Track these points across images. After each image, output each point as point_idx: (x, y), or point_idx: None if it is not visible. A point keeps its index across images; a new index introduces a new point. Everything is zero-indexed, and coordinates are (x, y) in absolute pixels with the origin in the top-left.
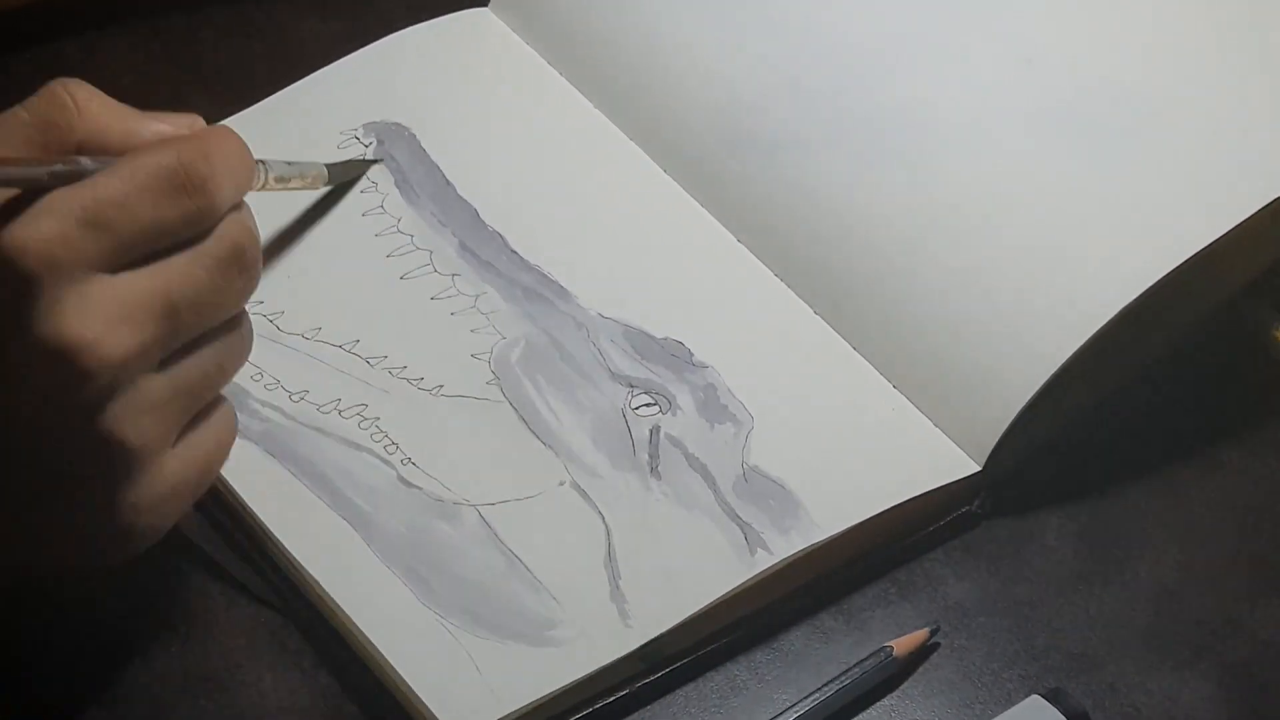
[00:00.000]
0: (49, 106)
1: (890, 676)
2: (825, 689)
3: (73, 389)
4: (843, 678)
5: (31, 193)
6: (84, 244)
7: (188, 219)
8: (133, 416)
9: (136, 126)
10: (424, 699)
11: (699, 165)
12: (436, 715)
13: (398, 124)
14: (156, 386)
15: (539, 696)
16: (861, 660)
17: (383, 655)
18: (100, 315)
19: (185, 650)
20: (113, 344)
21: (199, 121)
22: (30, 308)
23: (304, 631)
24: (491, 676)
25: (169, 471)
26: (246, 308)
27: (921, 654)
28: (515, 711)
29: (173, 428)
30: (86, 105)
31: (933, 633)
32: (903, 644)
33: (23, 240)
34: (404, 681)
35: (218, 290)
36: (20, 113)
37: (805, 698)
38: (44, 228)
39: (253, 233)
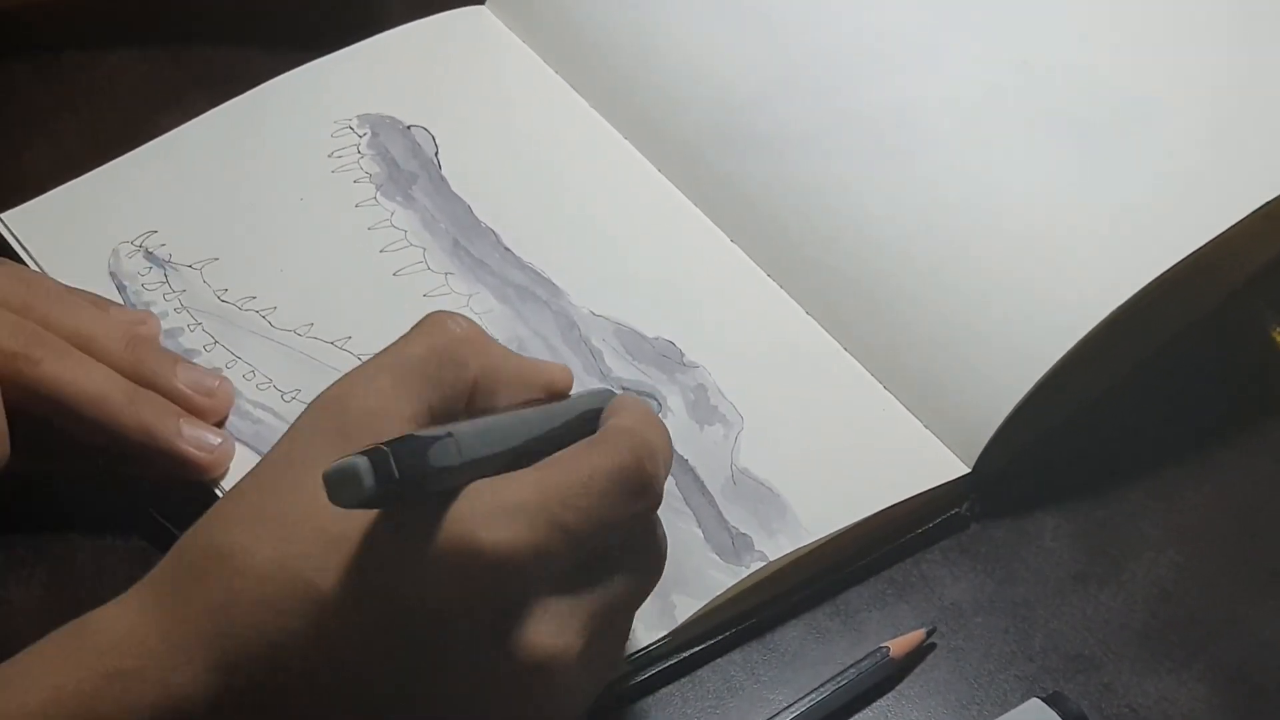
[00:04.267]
0: (443, 339)
1: (887, 677)
2: (822, 689)
3: (537, 697)
4: (839, 678)
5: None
6: (554, 553)
7: (636, 519)
8: (571, 710)
9: (523, 366)
10: None
11: (693, 164)
12: None
13: (392, 117)
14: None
15: None
16: (858, 661)
17: None
18: (565, 626)
19: None
20: (571, 655)
21: (569, 370)
22: (508, 615)
23: None
24: None
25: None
26: (241, 307)
27: (918, 655)
28: None
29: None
30: (476, 337)
31: (929, 633)
32: (899, 644)
33: (504, 545)
34: None
35: (645, 588)
36: (412, 349)
37: (802, 698)
38: (521, 536)
39: (662, 525)
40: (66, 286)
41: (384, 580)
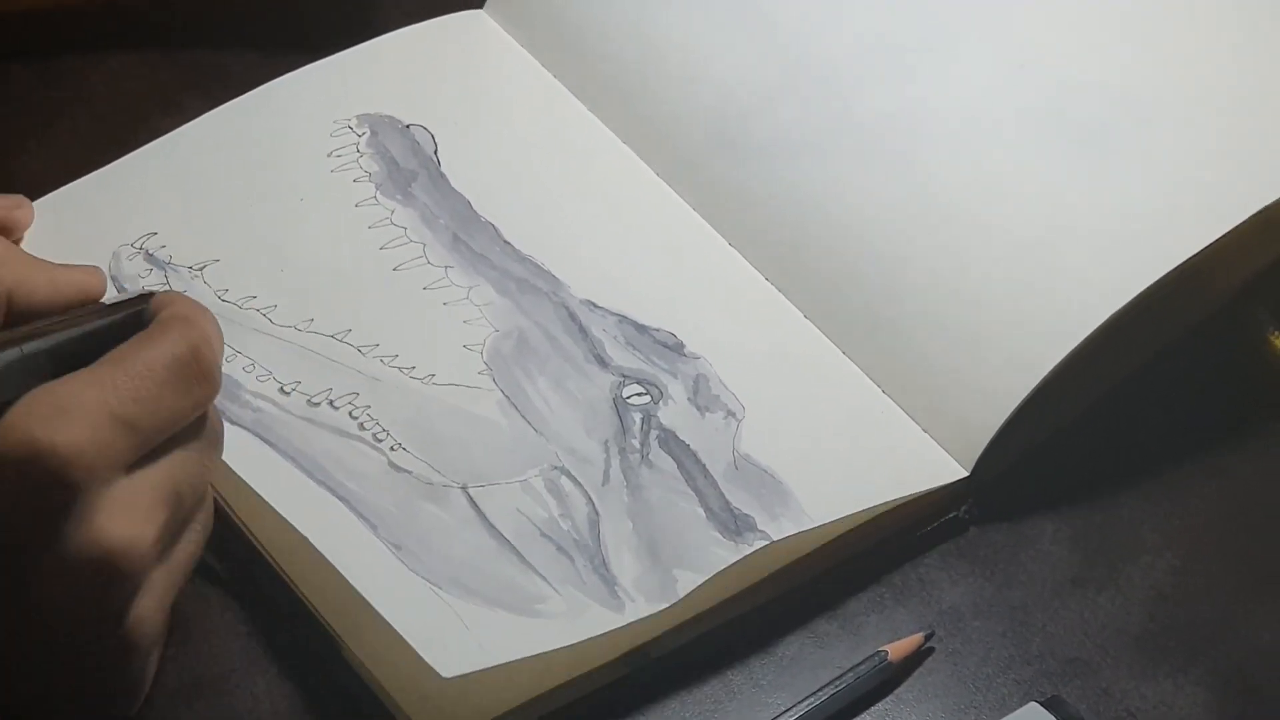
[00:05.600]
0: None
1: (885, 681)
2: (820, 694)
3: (109, 588)
4: (837, 682)
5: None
6: (115, 445)
7: (197, 407)
8: (147, 605)
9: (55, 274)
10: (414, 647)
11: (691, 169)
12: (425, 660)
13: (391, 116)
14: (162, 568)
15: (526, 655)
16: (856, 665)
17: (373, 614)
18: (130, 516)
19: (179, 656)
20: (143, 544)
21: (100, 271)
22: (72, 512)
23: (295, 636)
24: (479, 633)
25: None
26: (242, 306)
27: (916, 659)
28: (502, 665)
29: (170, 599)
30: (6, 254)
31: (927, 637)
32: (897, 649)
33: (65, 446)
34: (394, 637)
35: (207, 469)
36: None
37: (799, 702)
38: (78, 432)
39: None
40: None
41: None
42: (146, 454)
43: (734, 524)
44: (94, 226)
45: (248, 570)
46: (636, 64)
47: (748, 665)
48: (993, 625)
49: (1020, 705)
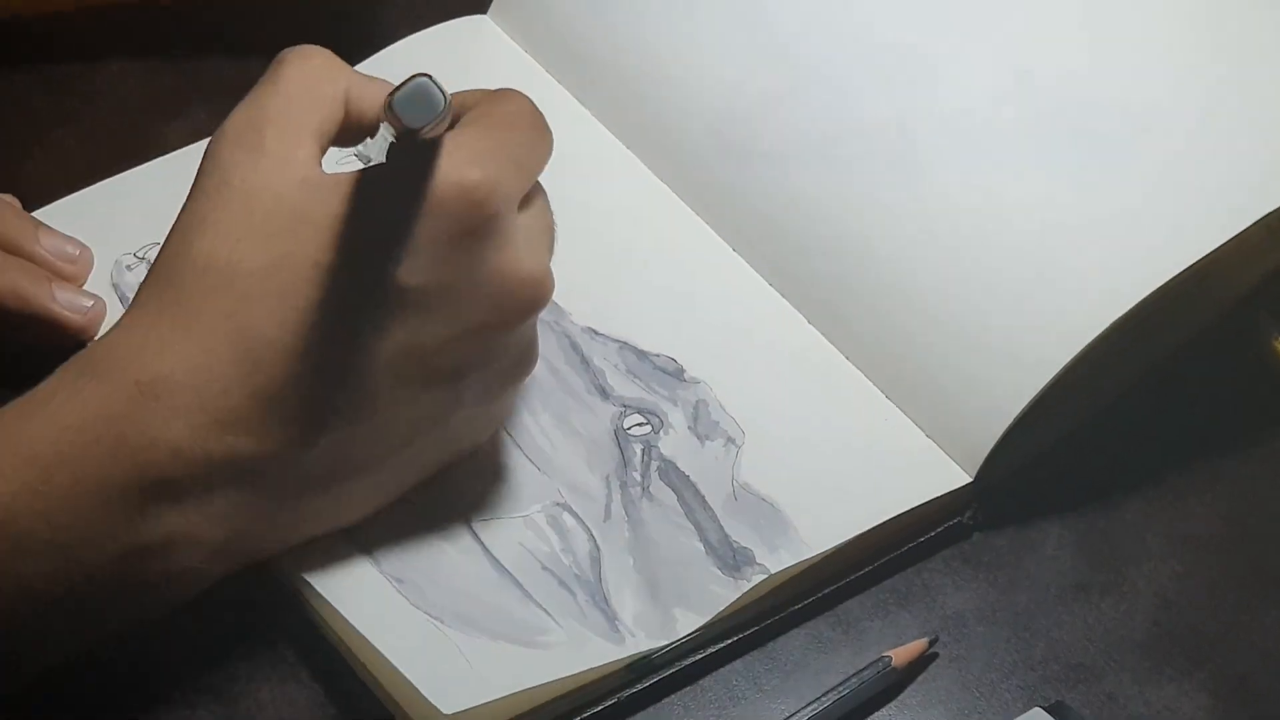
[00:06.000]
0: (308, 69)
1: (889, 686)
2: (824, 699)
3: (530, 310)
4: (841, 687)
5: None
6: (516, 182)
7: (548, 154)
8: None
9: (382, 85)
10: (413, 682)
11: (695, 174)
12: (426, 697)
13: None
14: None
15: (528, 687)
16: (860, 670)
17: (374, 649)
18: (534, 246)
19: (183, 662)
20: (548, 272)
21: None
22: (498, 240)
23: (300, 643)
24: (481, 666)
25: None
26: None
27: (920, 664)
28: (504, 698)
29: None
30: (332, 63)
31: (931, 643)
32: (901, 654)
33: (483, 180)
34: (395, 672)
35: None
36: (287, 80)
37: (804, 707)
38: (494, 171)
39: None
40: None
41: (388, 227)
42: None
43: (732, 558)
44: (97, 236)
45: (254, 584)
46: (640, 69)
47: (750, 669)
48: (997, 630)
49: (1024, 711)
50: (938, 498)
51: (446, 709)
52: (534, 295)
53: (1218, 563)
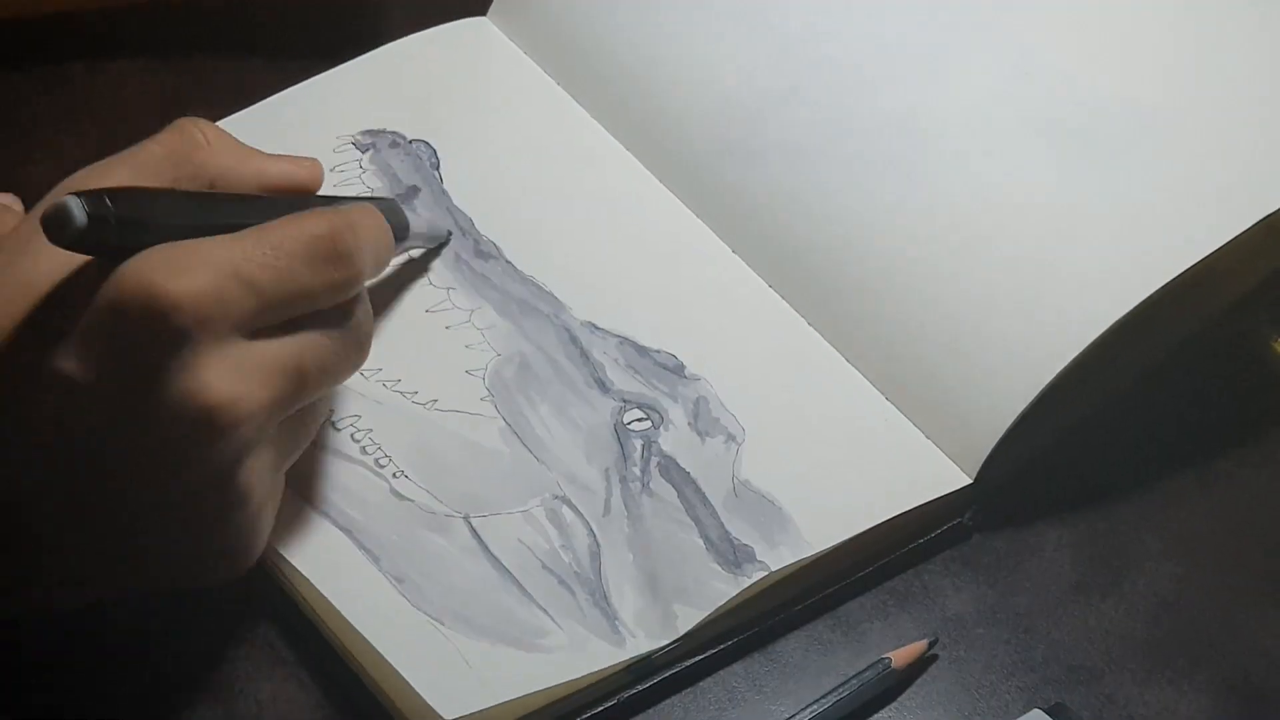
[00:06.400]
0: (181, 142)
1: (889, 688)
2: (823, 700)
3: (206, 443)
4: (841, 689)
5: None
6: (235, 303)
7: (329, 289)
8: (254, 467)
9: (265, 165)
10: (414, 686)
11: (695, 175)
12: (427, 701)
13: (394, 132)
14: (273, 439)
15: (529, 691)
16: (860, 672)
17: (374, 651)
18: (241, 376)
19: (182, 661)
20: (249, 405)
21: (318, 165)
22: (177, 361)
23: (300, 642)
24: (481, 670)
25: (275, 493)
26: None
27: (920, 665)
28: (504, 703)
29: (284, 466)
30: (217, 141)
31: (931, 644)
32: (901, 655)
33: (179, 294)
34: (396, 675)
35: (341, 361)
36: (152, 147)
37: (803, 709)
38: (199, 283)
39: (370, 311)
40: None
41: (52, 321)
42: (274, 327)
43: (733, 555)
44: None
45: (254, 580)
46: (640, 71)
47: (750, 670)
48: (996, 632)
49: (1024, 712)
50: (938, 499)
51: (448, 714)
52: (202, 423)
53: (1217, 564)
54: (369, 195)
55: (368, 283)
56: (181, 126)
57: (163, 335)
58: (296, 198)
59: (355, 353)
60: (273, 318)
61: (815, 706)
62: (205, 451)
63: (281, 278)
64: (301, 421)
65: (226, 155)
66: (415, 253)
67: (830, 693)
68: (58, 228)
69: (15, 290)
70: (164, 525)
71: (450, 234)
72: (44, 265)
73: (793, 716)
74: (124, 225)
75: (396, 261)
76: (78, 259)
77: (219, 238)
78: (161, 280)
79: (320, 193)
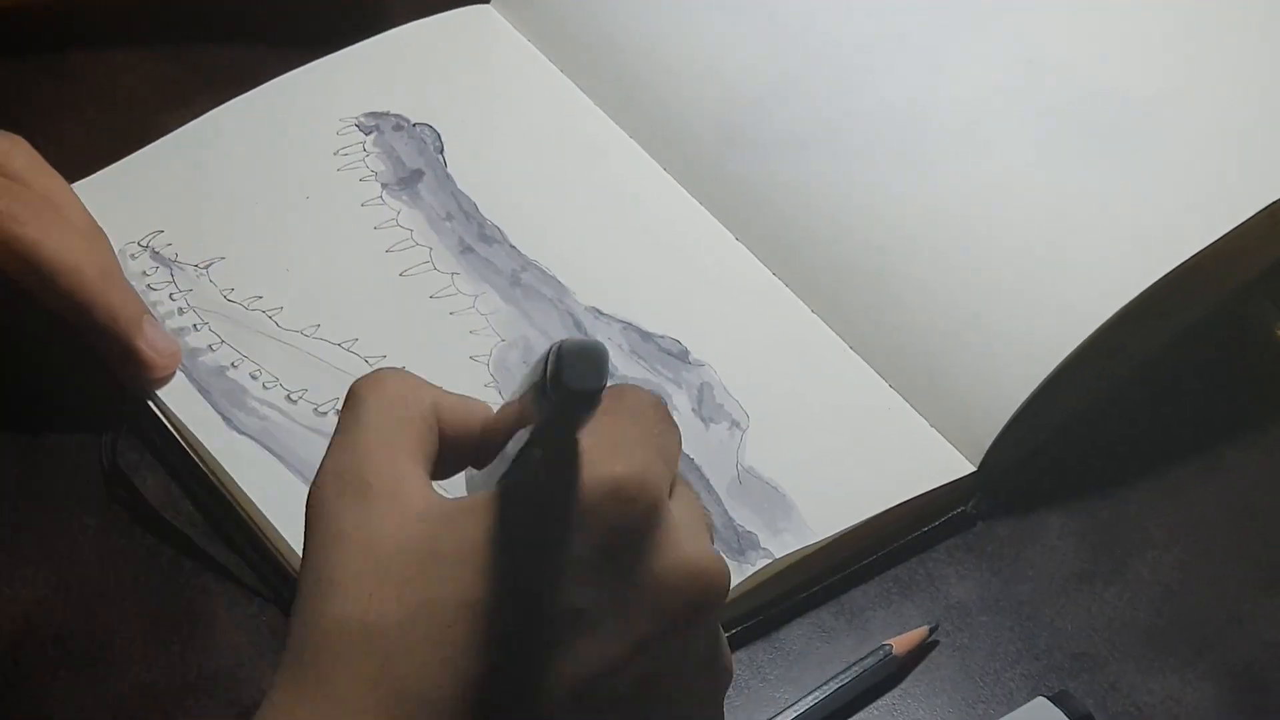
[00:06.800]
0: (400, 388)
1: (890, 675)
2: (825, 687)
3: (706, 608)
4: (842, 675)
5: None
6: (664, 474)
7: (679, 444)
8: (725, 642)
9: (460, 400)
10: None
11: (698, 163)
12: None
13: (397, 115)
14: None
15: None
16: (861, 658)
17: None
18: (699, 535)
19: (187, 648)
20: (719, 561)
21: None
22: (657, 535)
23: None
24: None
25: None
26: (248, 306)
27: (921, 652)
28: None
29: None
30: (414, 379)
31: (932, 630)
32: (902, 642)
33: (636, 471)
34: None
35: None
36: (386, 407)
37: (805, 695)
38: (641, 461)
39: None
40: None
41: (532, 543)
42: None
43: (737, 542)
44: (101, 225)
45: (260, 567)
46: (644, 58)
47: (754, 658)
48: (1000, 620)
49: (1028, 700)
50: (941, 487)
51: None
52: (706, 587)
53: (1221, 552)
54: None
55: None
56: (373, 381)
57: (640, 517)
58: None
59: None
60: (672, 478)
61: (818, 693)
62: (706, 614)
63: (667, 444)
64: None
65: (429, 391)
66: None
67: (832, 679)
68: (588, 370)
69: (403, 571)
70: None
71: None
72: (406, 533)
73: (794, 704)
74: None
75: None
76: (429, 518)
77: (597, 421)
78: (607, 470)
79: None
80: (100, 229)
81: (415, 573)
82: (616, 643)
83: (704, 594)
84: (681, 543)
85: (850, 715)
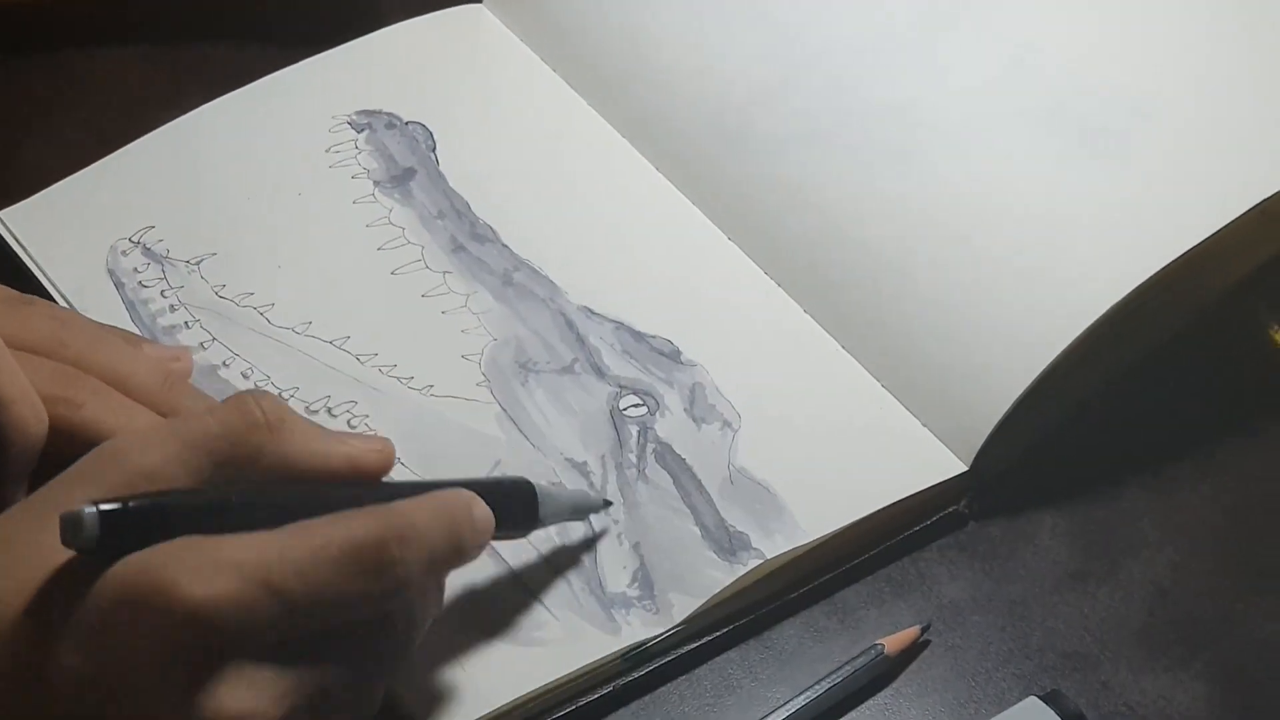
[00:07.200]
0: (240, 420)
1: (882, 674)
2: (815, 687)
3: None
4: (834, 675)
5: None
6: (261, 614)
7: (367, 601)
8: None
9: (331, 448)
10: (406, 700)
11: (690, 162)
12: (418, 712)
13: (390, 113)
14: None
15: (522, 694)
16: (853, 658)
17: None
18: (254, 694)
19: None
20: None
21: (390, 448)
22: (188, 673)
23: None
24: (476, 675)
25: None
26: (239, 303)
27: (913, 651)
28: (499, 709)
29: None
30: (280, 421)
31: (924, 630)
32: (894, 641)
33: (200, 601)
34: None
35: (374, 678)
36: (208, 422)
37: (796, 695)
38: (222, 589)
39: (426, 604)
40: (98, 324)
41: (76, 620)
42: (300, 643)
43: (729, 542)
44: (92, 221)
45: None
46: (636, 57)
47: (746, 658)
48: (992, 619)
49: (1019, 699)
50: (933, 486)
51: None
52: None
53: (1214, 551)
54: (491, 479)
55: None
56: (242, 402)
57: (178, 643)
58: (360, 485)
59: (381, 670)
60: (300, 627)
61: (809, 693)
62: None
63: (314, 588)
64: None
65: (289, 437)
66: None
67: (823, 679)
68: (71, 534)
69: (19, 576)
70: None
71: (608, 502)
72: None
73: (785, 704)
74: (144, 533)
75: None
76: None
77: (249, 536)
78: (183, 583)
79: (321, 172)
80: (171, 369)
81: (22, 584)
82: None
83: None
84: (218, 691)
85: (842, 715)
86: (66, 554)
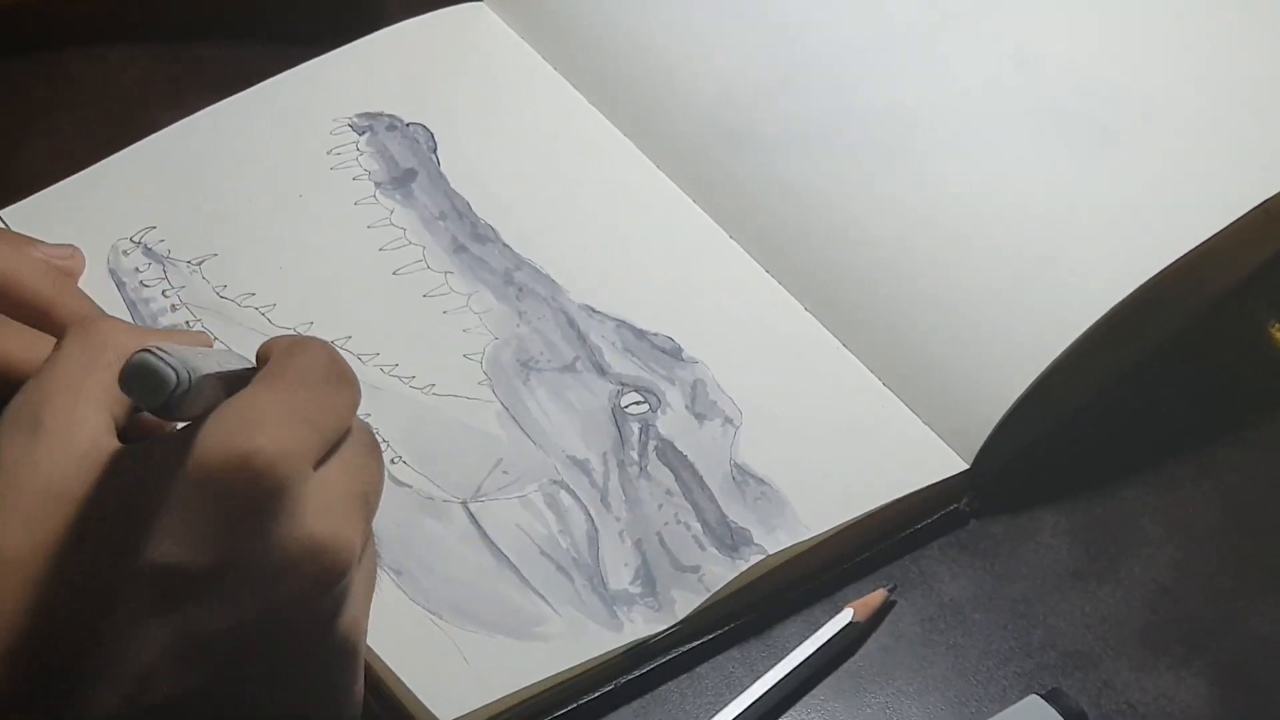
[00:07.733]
0: (101, 339)
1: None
2: (790, 658)
3: (324, 585)
4: (806, 645)
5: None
6: (308, 443)
7: (350, 407)
8: (358, 606)
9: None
10: (410, 687)
11: (692, 161)
12: (423, 702)
13: (391, 114)
14: (361, 571)
15: (526, 685)
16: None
17: (371, 650)
18: (333, 512)
19: None
20: (349, 537)
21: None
22: (281, 511)
23: None
24: (479, 666)
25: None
26: (240, 303)
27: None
28: (503, 699)
29: (368, 610)
30: (127, 332)
31: (891, 590)
32: (861, 607)
33: (264, 447)
34: (392, 674)
35: (379, 467)
36: (90, 355)
37: (773, 668)
38: (274, 432)
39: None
40: None
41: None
42: (327, 455)
43: (730, 538)
44: (93, 221)
45: None
46: (638, 56)
47: (747, 656)
48: (993, 618)
49: (1021, 698)
50: (934, 484)
51: (444, 715)
52: (321, 566)
53: (1215, 550)
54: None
55: None
56: (78, 326)
57: (265, 491)
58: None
59: (380, 456)
60: (328, 445)
61: (783, 666)
62: (325, 593)
63: (325, 408)
64: (370, 554)
65: (136, 337)
66: None
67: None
68: (151, 390)
69: (38, 506)
70: (280, 689)
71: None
72: (56, 470)
73: (762, 677)
74: (188, 391)
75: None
76: (86, 459)
77: (257, 385)
78: (246, 440)
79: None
80: (61, 267)
81: (50, 510)
82: (224, 607)
83: (316, 574)
84: (308, 518)
85: (841, 712)
86: (61, 476)
